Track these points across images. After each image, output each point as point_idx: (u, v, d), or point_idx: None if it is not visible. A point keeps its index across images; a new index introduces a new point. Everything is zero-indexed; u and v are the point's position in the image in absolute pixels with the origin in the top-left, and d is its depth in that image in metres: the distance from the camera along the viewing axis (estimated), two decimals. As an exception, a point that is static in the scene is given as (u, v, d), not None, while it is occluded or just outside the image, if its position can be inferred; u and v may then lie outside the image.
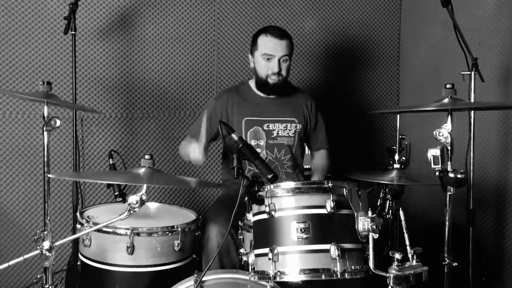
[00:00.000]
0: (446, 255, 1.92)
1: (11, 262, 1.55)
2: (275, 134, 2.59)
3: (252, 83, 2.67)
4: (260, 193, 1.69)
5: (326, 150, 2.79)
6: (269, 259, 1.61)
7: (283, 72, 2.52)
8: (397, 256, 1.51)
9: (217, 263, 2.15)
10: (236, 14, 3.31)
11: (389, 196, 2.24)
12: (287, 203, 1.65)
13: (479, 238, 2.82)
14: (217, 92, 3.29)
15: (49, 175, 1.74)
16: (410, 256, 1.55)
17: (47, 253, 1.57)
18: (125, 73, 3.11)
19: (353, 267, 1.60)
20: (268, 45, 2.49)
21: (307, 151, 2.82)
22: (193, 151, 2.33)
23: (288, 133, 2.61)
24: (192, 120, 3.25)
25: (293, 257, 1.61)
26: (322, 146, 2.78)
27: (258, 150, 2.57)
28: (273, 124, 2.59)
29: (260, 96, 2.64)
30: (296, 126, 2.63)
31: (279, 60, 2.48)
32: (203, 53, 3.27)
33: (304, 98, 2.72)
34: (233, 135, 1.79)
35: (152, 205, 2.40)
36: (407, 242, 1.58)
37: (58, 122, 1.87)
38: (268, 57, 2.49)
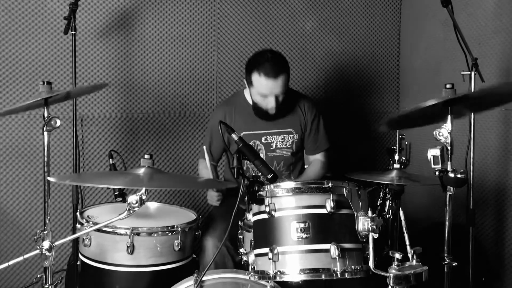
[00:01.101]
0: (446, 255, 1.92)
1: (11, 262, 1.55)
2: (273, 147, 2.58)
3: (247, 94, 2.61)
4: (260, 193, 1.69)
5: (324, 152, 2.71)
6: (269, 259, 1.61)
7: (280, 105, 2.46)
8: (397, 256, 1.51)
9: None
10: (236, 14, 3.31)
11: (389, 196, 2.24)
12: (287, 203, 1.65)
13: (479, 238, 2.82)
14: (217, 92, 3.29)
15: (49, 178, 1.74)
16: (410, 256, 1.55)
17: (47, 253, 1.57)
18: (125, 73, 3.11)
19: (353, 267, 1.60)
20: (263, 86, 2.39)
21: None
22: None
23: (286, 145, 2.60)
24: (191, 120, 3.26)
25: (293, 257, 1.61)
26: (321, 148, 2.70)
27: None
28: (270, 137, 2.58)
29: None
30: (293, 137, 2.60)
31: (276, 97, 2.42)
32: (203, 53, 3.27)
33: (299, 102, 2.65)
34: (233, 135, 1.80)
35: (152, 205, 2.39)
36: (407, 242, 1.58)
37: (58, 122, 1.87)
38: (262, 94, 2.43)
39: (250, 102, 2.60)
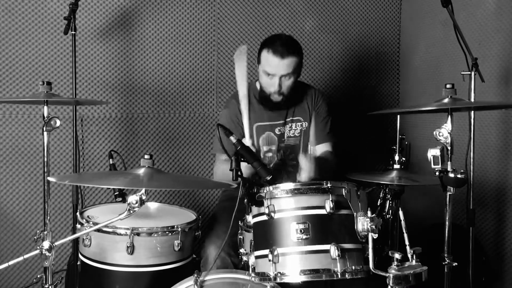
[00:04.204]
0: (446, 255, 1.92)
1: (11, 262, 1.55)
2: (285, 137, 2.56)
3: (259, 85, 2.59)
4: (260, 194, 1.68)
5: (332, 144, 2.64)
6: (269, 260, 1.61)
7: (284, 90, 2.41)
8: (397, 256, 1.51)
9: None
10: (236, 14, 3.31)
11: (389, 196, 2.24)
12: (286, 204, 1.65)
13: (479, 238, 2.82)
14: (217, 92, 3.29)
15: (49, 178, 1.74)
16: (409, 256, 1.55)
17: (47, 253, 1.57)
18: (125, 73, 3.11)
19: (353, 267, 1.60)
20: (269, 63, 2.37)
21: (311, 149, 2.75)
22: None
23: (294, 133, 2.57)
24: (192, 120, 3.25)
25: (293, 258, 1.61)
26: (328, 138, 2.62)
27: (270, 154, 2.54)
28: (283, 127, 2.56)
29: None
30: (302, 125, 2.57)
31: (280, 78, 2.37)
32: (203, 53, 3.27)
33: (307, 91, 2.62)
34: (231, 138, 1.79)
35: (152, 205, 2.40)
36: (407, 242, 1.58)
37: (58, 122, 1.88)
38: (268, 74, 2.39)
39: (258, 92, 2.56)
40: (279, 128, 2.55)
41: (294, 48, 2.39)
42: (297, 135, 2.58)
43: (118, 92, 3.10)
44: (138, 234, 1.96)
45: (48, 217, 1.81)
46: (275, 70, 2.36)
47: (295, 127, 2.57)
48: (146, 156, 1.73)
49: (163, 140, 3.21)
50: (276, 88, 2.38)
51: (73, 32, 2.58)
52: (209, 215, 3.09)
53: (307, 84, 2.74)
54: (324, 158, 2.56)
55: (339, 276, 1.57)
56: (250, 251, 1.82)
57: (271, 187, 1.68)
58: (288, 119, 2.57)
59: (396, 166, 2.29)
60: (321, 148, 2.62)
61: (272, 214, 1.65)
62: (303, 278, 1.59)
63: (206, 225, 2.47)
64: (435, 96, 2.00)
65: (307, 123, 2.58)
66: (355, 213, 1.62)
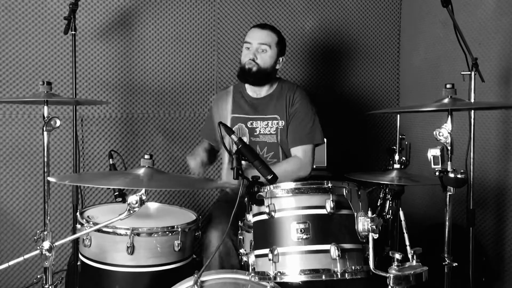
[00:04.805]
0: (446, 255, 1.92)
1: (11, 262, 1.55)
2: (257, 132, 2.56)
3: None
4: (260, 193, 1.68)
5: (306, 148, 2.51)
6: (269, 259, 1.61)
7: (259, 61, 2.51)
8: (397, 256, 1.51)
9: (217, 267, 2.14)
10: (236, 14, 3.31)
11: (389, 196, 2.24)
12: (287, 204, 1.65)
13: (479, 238, 2.82)
14: (217, 92, 3.29)
15: (49, 178, 1.74)
16: (410, 256, 1.55)
17: (47, 253, 1.57)
18: (125, 73, 3.11)
19: (353, 267, 1.60)
20: (249, 34, 2.57)
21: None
22: (191, 163, 2.53)
23: (269, 131, 2.55)
24: (191, 120, 3.26)
25: (293, 258, 1.61)
26: (301, 141, 2.51)
27: None
28: (256, 122, 2.57)
29: (250, 95, 2.62)
30: (278, 123, 2.54)
31: (257, 50, 2.51)
32: (203, 53, 3.27)
33: (287, 89, 2.59)
34: (233, 136, 1.79)
35: (152, 205, 2.39)
36: (407, 242, 1.58)
37: (58, 122, 1.87)
38: (248, 46, 2.54)
39: (247, 89, 2.63)
40: (250, 122, 2.57)
41: (274, 28, 2.60)
42: (273, 132, 2.55)
43: (118, 92, 3.10)
44: (138, 234, 1.96)
45: (48, 217, 1.81)
46: (252, 38, 2.54)
47: (271, 124, 2.56)
48: (146, 156, 1.73)
49: (163, 140, 3.21)
50: (251, 55, 2.52)
51: (73, 32, 2.58)
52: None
53: (291, 83, 2.71)
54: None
55: (339, 276, 1.57)
56: (250, 251, 1.82)
57: (271, 186, 1.68)
58: (262, 116, 2.57)
59: (396, 166, 2.29)
60: (292, 152, 2.54)
61: (273, 213, 1.65)
62: (303, 278, 1.60)
63: (204, 220, 2.46)
64: (435, 96, 2.00)
65: (283, 122, 2.55)
66: (355, 213, 1.62)
